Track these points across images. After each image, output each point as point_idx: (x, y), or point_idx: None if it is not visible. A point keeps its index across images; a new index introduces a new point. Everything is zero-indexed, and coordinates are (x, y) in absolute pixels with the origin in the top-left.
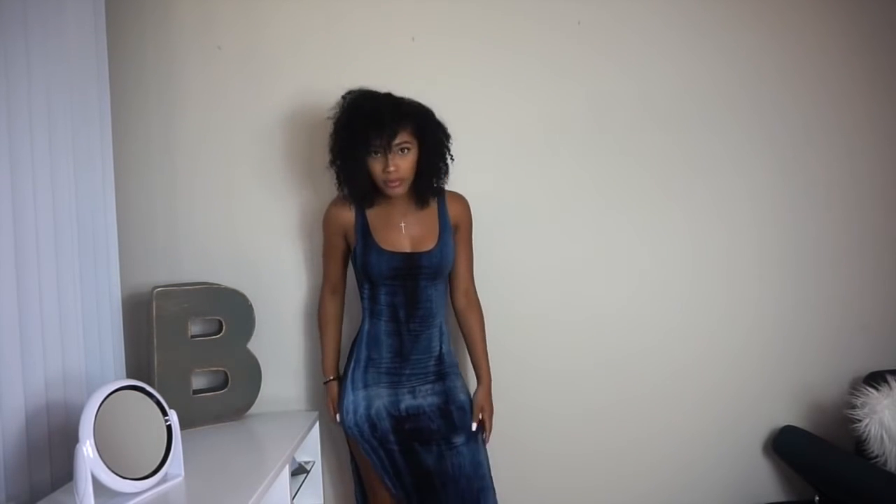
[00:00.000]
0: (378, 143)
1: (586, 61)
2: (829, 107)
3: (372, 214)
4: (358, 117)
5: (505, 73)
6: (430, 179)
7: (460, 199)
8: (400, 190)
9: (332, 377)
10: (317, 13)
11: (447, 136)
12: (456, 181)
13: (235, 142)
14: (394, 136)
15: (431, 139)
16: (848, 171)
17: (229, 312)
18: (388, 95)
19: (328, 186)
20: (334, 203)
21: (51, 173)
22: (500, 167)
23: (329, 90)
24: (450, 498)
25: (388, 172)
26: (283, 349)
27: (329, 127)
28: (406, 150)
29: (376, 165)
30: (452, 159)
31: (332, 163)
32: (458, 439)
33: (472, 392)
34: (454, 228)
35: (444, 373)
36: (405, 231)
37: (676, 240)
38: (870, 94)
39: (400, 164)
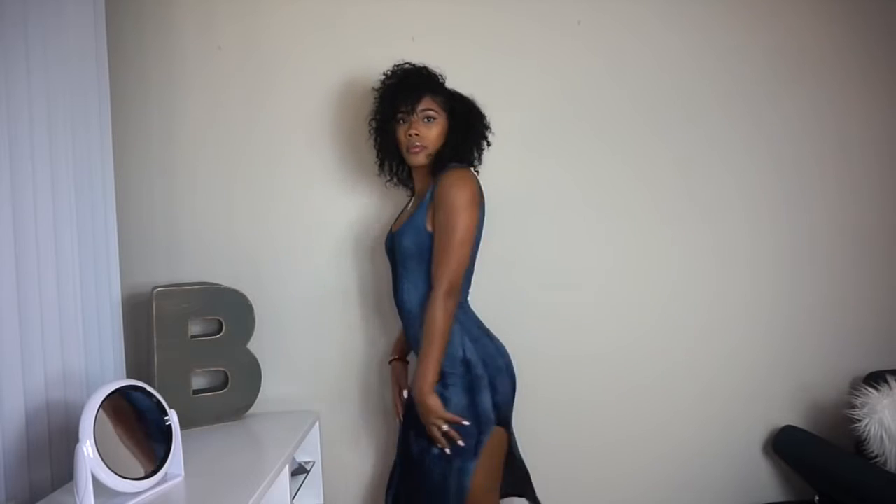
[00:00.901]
0: (404, 109)
1: (586, 61)
2: (827, 107)
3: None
4: (387, 85)
5: (505, 73)
6: (449, 156)
7: (447, 175)
8: (420, 158)
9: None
10: (317, 13)
11: (480, 118)
12: None
13: (235, 142)
14: (417, 100)
15: (460, 115)
16: (846, 170)
17: (229, 312)
18: (423, 67)
19: (327, 186)
20: None
21: (51, 173)
22: (498, 166)
23: (329, 90)
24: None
25: (410, 136)
26: (283, 349)
27: (329, 128)
28: (431, 120)
29: (402, 131)
30: (488, 143)
31: (374, 145)
32: (435, 450)
33: (462, 404)
34: (433, 209)
35: (441, 373)
36: (406, 210)
37: (675, 238)
38: (867, 94)
39: (423, 130)
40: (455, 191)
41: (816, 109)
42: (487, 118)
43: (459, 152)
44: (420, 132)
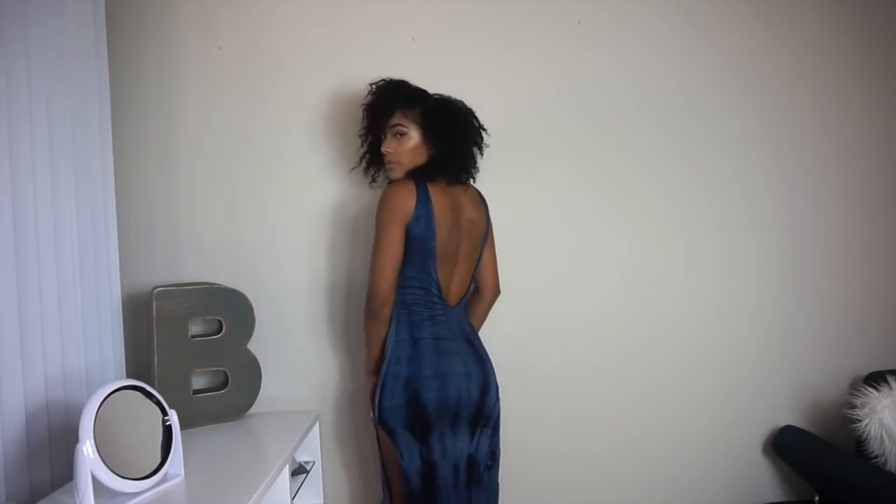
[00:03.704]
0: (378, 126)
1: (586, 61)
2: (828, 108)
3: None
4: (365, 104)
5: (504, 73)
6: (436, 169)
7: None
8: (396, 173)
9: None
10: (316, 13)
11: (463, 129)
12: None
13: (235, 142)
14: (387, 117)
15: (439, 128)
16: (847, 170)
17: (229, 312)
18: (398, 83)
19: (327, 185)
20: None
21: (51, 173)
22: (497, 166)
23: (328, 90)
24: None
25: (384, 154)
26: (283, 349)
27: (329, 128)
28: (402, 136)
29: (382, 148)
30: (480, 152)
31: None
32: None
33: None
34: None
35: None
36: None
37: (676, 239)
38: (869, 95)
39: (394, 146)
40: (379, 203)
41: (818, 109)
42: (478, 125)
43: (443, 165)
44: (392, 149)
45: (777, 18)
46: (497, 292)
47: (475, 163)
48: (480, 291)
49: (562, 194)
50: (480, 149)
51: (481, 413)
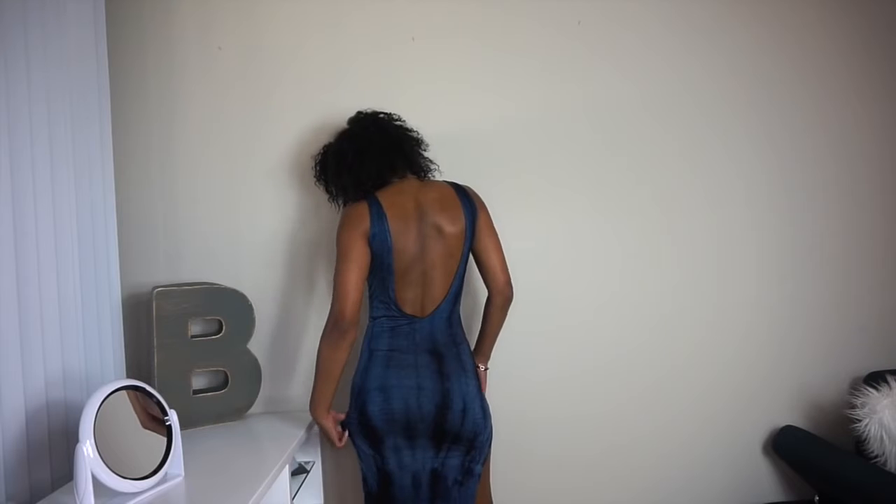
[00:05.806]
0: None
1: (586, 61)
2: (828, 107)
3: None
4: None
5: (505, 73)
6: (364, 184)
7: None
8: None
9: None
10: (317, 14)
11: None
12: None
13: (236, 142)
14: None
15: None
16: (847, 170)
17: (229, 312)
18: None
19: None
20: None
21: (51, 174)
22: (498, 166)
23: (329, 89)
24: None
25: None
26: (283, 349)
27: (329, 128)
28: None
29: None
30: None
31: None
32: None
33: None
34: None
35: None
36: None
37: (675, 239)
38: (869, 94)
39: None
40: (338, 227)
41: (819, 111)
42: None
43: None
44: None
45: (776, 18)
46: (506, 294)
47: (403, 157)
48: (488, 293)
49: (560, 195)
50: (395, 146)
51: (444, 430)
